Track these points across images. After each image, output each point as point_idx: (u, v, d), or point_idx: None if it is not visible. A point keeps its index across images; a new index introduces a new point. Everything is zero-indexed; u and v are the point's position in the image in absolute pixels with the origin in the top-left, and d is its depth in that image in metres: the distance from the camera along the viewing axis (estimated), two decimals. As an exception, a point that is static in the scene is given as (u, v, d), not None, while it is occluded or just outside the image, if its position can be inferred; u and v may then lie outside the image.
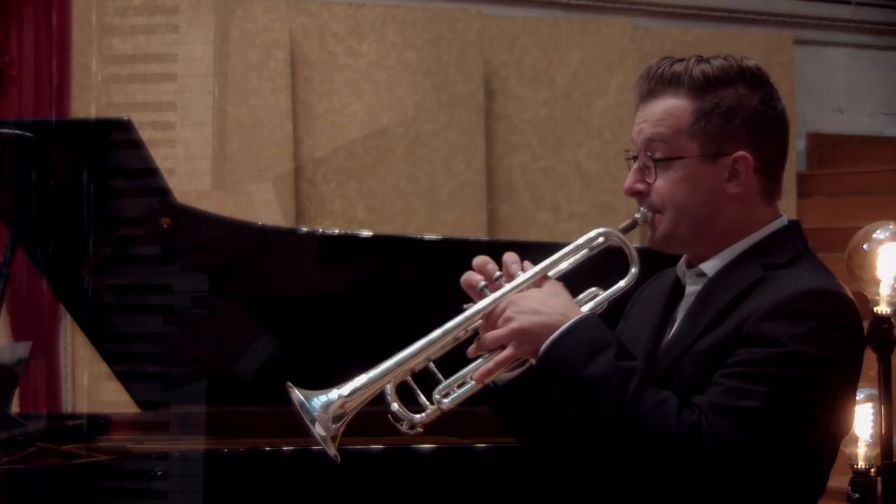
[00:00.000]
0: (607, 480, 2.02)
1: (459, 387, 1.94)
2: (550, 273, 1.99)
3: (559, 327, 1.87)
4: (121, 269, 3.59)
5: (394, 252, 3.55)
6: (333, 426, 1.87)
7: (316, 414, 1.86)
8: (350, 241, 3.59)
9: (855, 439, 3.60)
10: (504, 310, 1.91)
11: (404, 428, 1.91)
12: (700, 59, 1.99)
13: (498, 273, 1.97)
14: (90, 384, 5.62)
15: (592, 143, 6.57)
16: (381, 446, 3.25)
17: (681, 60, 2.00)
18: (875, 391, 3.58)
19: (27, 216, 3.44)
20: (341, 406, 1.87)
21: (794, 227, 2.03)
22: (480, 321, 1.94)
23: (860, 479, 3.57)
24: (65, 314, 5.49)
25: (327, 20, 6.18)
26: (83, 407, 5.58)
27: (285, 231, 3.91)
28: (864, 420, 3.61)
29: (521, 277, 1.96)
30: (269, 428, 3.57)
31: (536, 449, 2.17)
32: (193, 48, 5.88)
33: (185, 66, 5.86)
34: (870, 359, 3.44)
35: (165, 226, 3.39)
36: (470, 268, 2.01)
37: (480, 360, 1.94)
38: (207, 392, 3.75)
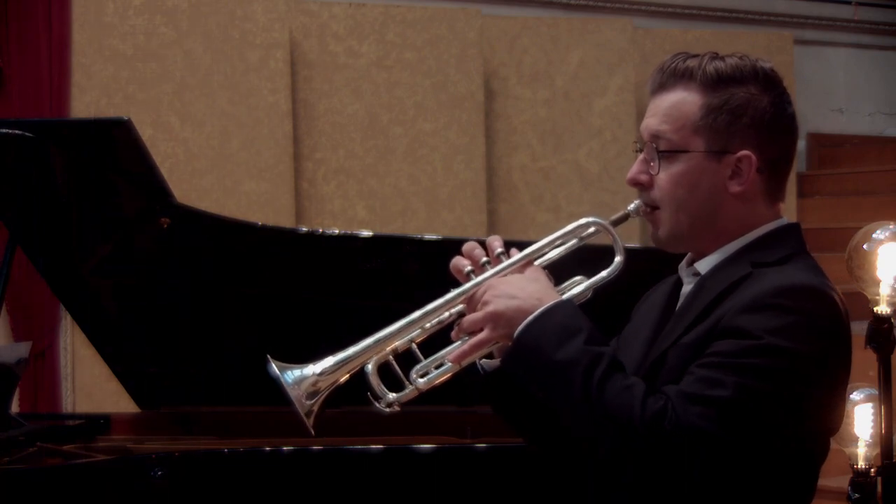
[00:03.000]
0: (596, 472, 2.01)
1: (437, 368, 1.96)
2: (539, 261, 2.00)
3: (533, 311, 1.88)
4: (121, 268, 3.59)
5: (394, 252, 3.55)
6: (307, 402, 1.89)
7: (289, 388, 1.88)
8: (350, 241, 3.58)
9: (855, 439, 3.59)
10: (483, 293, 1.93)
11: (381, 406, 1.93)
12: (714, 56, 1.99)
13: (485, 259, 1.99)
14: (90, 384, 5.62)
15: (592, 143, 6.57)
16: (381, 446, 3.24)
17: (695, 56, 1.99)
18: (875, 391, 3.58)
19: (27, 216, 3.44)
20: (314, 384, 1.90)
21: (791, 228, 2.02)
22: (464, 305, 1.96)
23: (860, 479, 3.57)
24: (65, 314, 5.49)
25: (327, 20, 6.18)
26: (83, 407, 5.58)
27: (285, 231, 3.90)
28: (864, 420, 3.61)
29: (505, 262, 1.98)
30: (269, 428, 3.57)
31: (532, 439, 2.17)
32: (193, 48, 5.88)
33: (185, 66, 5.86)
34: (870, 359, 3.45)
35: (165, 226, 3.39)
36: None
37: (459, 342, 1.96)
38: (207, 392, 3.74)
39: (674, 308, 2.04)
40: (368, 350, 1.93)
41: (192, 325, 3.66)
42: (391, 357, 1.95)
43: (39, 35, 5.60)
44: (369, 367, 1.93)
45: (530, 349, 1.87)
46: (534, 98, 6.55)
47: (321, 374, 1.90)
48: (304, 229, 3.97)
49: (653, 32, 6.90)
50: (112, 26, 5.77)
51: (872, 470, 3.58)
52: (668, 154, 1.97)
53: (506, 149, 6.50)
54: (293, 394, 1.88)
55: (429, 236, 3.63)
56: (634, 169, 2.01)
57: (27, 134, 3.19)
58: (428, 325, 1.97)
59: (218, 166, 5.88)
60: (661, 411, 1.77)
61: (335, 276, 3.55)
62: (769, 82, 1.98)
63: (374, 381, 1.93)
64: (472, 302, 1.95)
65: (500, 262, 1.98)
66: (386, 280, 3.50)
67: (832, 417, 1.92)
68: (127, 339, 3.70)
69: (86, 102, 5.71)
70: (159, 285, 3.58)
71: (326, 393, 1.90)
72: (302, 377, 1.89)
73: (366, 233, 3.57)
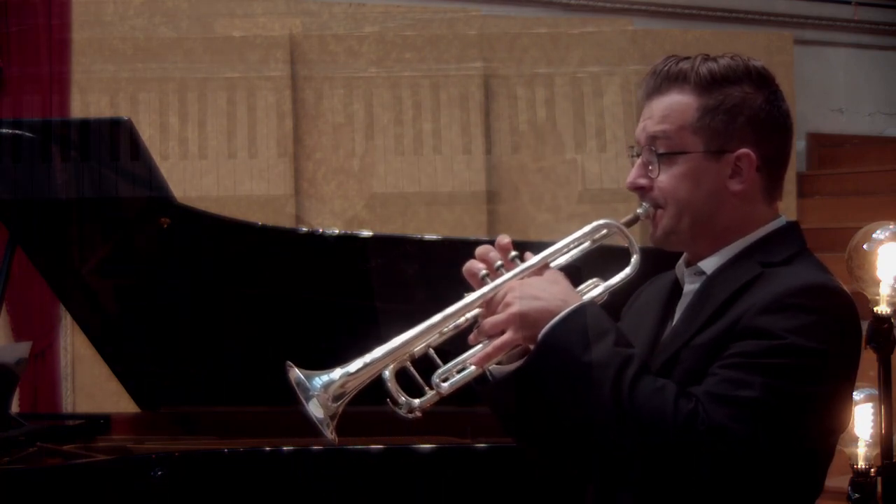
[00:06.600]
0: (600, 477, 2.01)
1: (459, 372, 1.94)
2: (552, 264, 1.99)
3: (558, 313, 1.87)
4: (121, 268, 3.59)
5: (394, 252, 3.55)
6: (333, 405, 1.88)
7: (316, 393, 1.87)
8: (350, 241, 3.58)
9: (855, 439, 3.60)
10: (504, 295, 1.92)
11: (402, 412, 1.91)
12: (707, 58, 2.00)
13: (499, 262, 1.97)
14: (90, 384, 5.62)
15: (592, 143, 6.57)
16: (381, 446, 3.24)
17: (687, 58, 2.01)
18: (875, 391, 3.58)
19: (27, 216, 3.44)
20: (342, 385, 1.88)
21: (792, 227, 2.04)
22: (480, 308, 1.95)
23: (860, 479, 3.57)
24: (65, 314, 5.49)
25: (327, 20, 6.18)
26: (83, 407, 5.58)
27: (285, 231, 3.90)
28: (864, 420, 3.61)
29: (523, 266, 1.97)
30: (269, 428, 3.57)
31: (530, 447, 2.17)
32: (194, 48, 5.88)
33: (185, 66, 5.86)
34: (870, 359, 3.45)
35: (165, 226, 3.39)
36: None
37: (480, 345, 1.94)
38: (207, 392, 3.74)
39: (674, 307, 2.05)
40: (392, 353, 1.91)
41: (192, 325, 3.66)
42: (409, 363, 1.93)
43: (39, 35, 5.60)
44: (387, 373, 1.90)
45: (557, 350, 1.85)
46: (534, 98, 6.55)
47: (351, 375, 1.88)
48: (304, 229, 3.97)
49: (653, 32, 6.90)
50: (112, 26, 5.77)
51: (872, 470, 3.58)
52: (667, 156, 1.97)
53: (506, 149, 6.50)
54: (320, 398, 1.87)
55: (429, 236, 3.63)
56: (634, 173, 2.01)
57: (27, 134, 3.19)
58: (446, 329, 1.94)
59: (218, 166, 5.88)
60: (693, 412, 1.77)
61: (335, 276, 3.55)
62: (762, 80, 2.00)
63: (393, 386, 1.90)
64: (491, 305, 1.93)
65: (516, 265, 1.97)
66: (386, 280, 3.50)
67: (847, 414, 1.94)
68: (127, 339, 3.70)
69: (86, 102, 5.71)
70: (159, 285, 3.57)
71: (351, 396, 1.89)
72: (330, 381, 1.87)
73: (366, 233, 3.56)
